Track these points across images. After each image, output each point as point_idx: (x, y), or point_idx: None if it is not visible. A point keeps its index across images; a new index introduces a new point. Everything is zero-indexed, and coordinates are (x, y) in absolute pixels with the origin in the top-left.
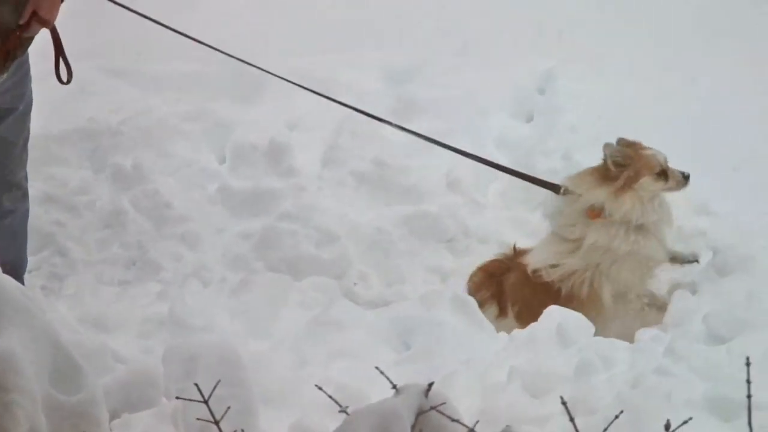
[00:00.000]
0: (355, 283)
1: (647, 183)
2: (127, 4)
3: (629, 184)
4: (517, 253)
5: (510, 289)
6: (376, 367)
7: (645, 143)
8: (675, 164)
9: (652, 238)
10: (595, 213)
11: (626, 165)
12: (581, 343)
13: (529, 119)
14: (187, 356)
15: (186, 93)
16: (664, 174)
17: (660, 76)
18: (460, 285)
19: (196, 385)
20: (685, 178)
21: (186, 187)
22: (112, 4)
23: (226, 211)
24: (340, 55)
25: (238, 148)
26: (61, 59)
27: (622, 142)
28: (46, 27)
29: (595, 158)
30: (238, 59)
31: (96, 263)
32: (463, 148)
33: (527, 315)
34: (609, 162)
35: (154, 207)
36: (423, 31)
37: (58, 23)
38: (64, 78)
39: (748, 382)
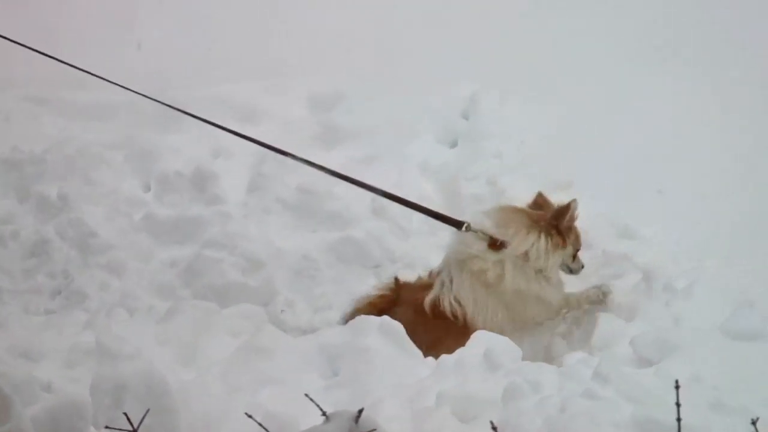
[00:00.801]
0: (282, 310)
1: (569, 252)
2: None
3: (565, 242)
4: (400, 285)
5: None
6: (306, 394)
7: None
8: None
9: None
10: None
11: (566, 221)
12: (509, 368)
13: (453, 145)
14: (115, 385)
15: (109, 121)
16: (577, 253)
17: (583, 100)
18: None
19: (125, 414)
20: (582, 267)
21: (111, 215)
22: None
23: (152, 239)
24: (263, 81)
25: (162, 176)
26: None
27: (544, 198)
28: None
29: (520, 183)
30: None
31: (22, 293)
32: (387, 174)
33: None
34: (555, 212)
35: (80, 236)
36: (346, 58)
37: None
38: None
39: (678, 404)
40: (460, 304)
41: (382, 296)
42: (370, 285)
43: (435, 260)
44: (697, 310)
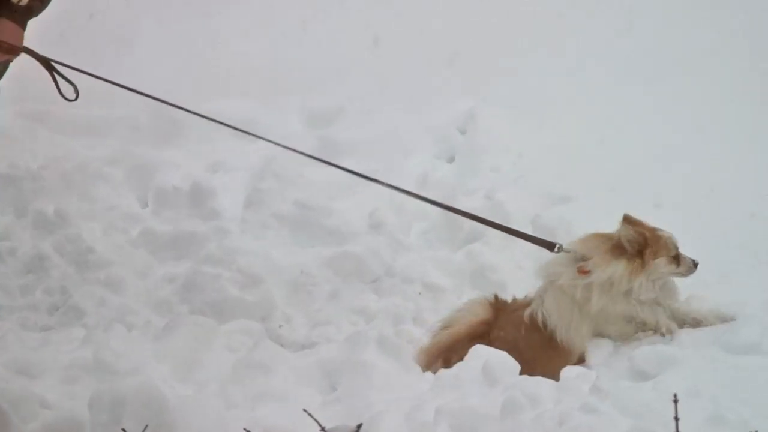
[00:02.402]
0: (280, 326)
1: (661, 264)
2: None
3: (645, 264)
4: (497, 304)
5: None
6: (304, 410)
7: (656, 224)
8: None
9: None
10: (584, 270)
11: (640, 244)
12: (507, 382)
13: (451, 159)
14: (113, 401)
15: (106, 137)
16: (677, 258)
17: (581, 114)
18: (385, 325)
19: (124, 429)
20: (695, 264)
21: (108, 231)
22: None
23: (150, 255)
24: (260, 98)
25: (160, 192)
26: (60, 77)
27: (630, 220)
28: (14, 54)
29: (518, 198)
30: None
31: (19, 309)
32: (385, 189)
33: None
34: (623, 240)
35: (77, 252)
36: (342, 74)
37: None
38: (71, 96)
39: (676, 419)
40: (550, 316)
41: (480, 321)
42: (368, 299)
43: (434, 274)
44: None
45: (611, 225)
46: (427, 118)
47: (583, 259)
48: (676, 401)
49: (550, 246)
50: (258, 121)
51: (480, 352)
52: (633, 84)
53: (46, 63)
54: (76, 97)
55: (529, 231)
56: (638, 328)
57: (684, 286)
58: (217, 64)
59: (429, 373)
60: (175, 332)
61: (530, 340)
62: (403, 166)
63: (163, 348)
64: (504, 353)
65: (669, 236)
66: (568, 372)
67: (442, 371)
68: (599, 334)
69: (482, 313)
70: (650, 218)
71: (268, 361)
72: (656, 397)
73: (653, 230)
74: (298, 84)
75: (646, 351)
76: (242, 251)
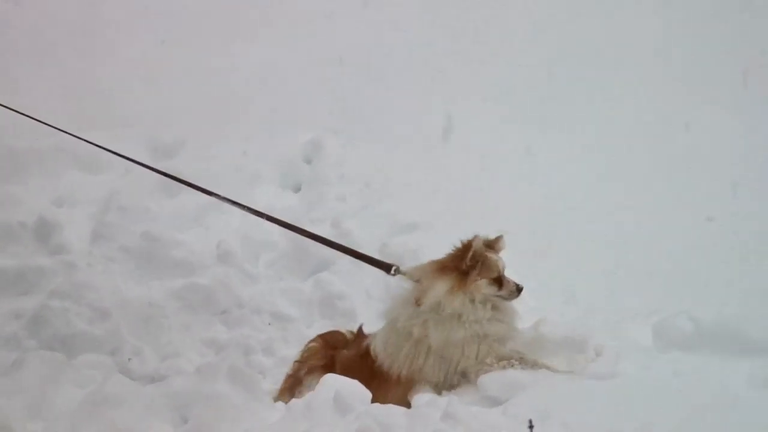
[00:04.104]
0: (129, 359)
1: (483, 285)
2: None
3: (467, 284)
4: (359, 334)
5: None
6: None
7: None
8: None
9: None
10: (419, 301)
11: (466, 263)
12: (359, 410)
13: (297, 189)
14: None
15: None
16: (499, 280)
17: (424, 142)
18: (235, 356)
19: None
20: (519, 290)
21: None
22: None
23: None
24: (106, 131)
25: (4, 227)
26: None
27: (472, 242)
28: None
29: (364, 226)
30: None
31: None
32: (231, 219)
33: None
34: (470, 255)
35: None
36: (185, 106)
37: None
38: None
39: None
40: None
41: (336, 332)
42: (218, 330)
43: (282, 304)
44: (542, 348)
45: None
46: (272, 148)
47: (416, 281)
48: (531, 427)
49: (387, 268)
50: (103, 155)
51: (330, 381)
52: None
53: None
54: None
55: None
56: (491, 348)
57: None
58: (61, 99)
59: (281, 403)
60: (24, 368)
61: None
62: (250, 196)
63: (11, 384)
64: (355, 381)
65: (496, 259)
66: (419, 399)
67: (294, 401)
68: (460, 361)
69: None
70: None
71: (118, 394)
72: (507, 422)
73: (482, 252)
74: (143, 118)
75: (495, 377)
76: (90, 285)
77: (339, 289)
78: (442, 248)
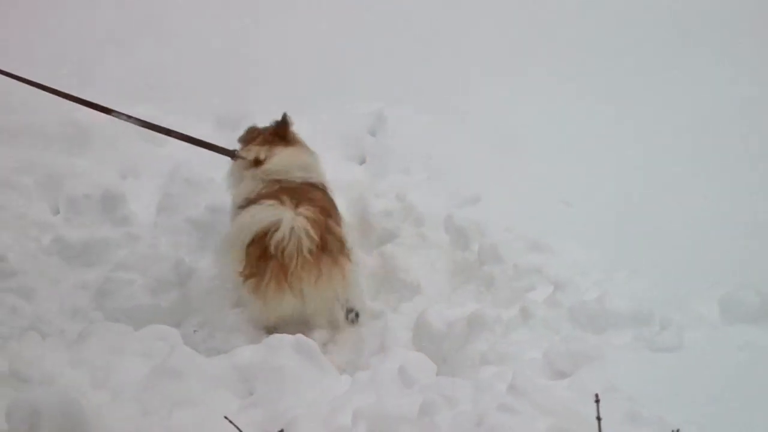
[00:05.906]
0: (195, 330)
1: None
2: None
3: None
4: None
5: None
6: (225, 417)
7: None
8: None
9: None
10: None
11: None
12: (423, 383)
13: (362, 161)
14: (30, 411)
15: (14, 145)
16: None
17: (489, 115)
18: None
19: None
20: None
21: (19, 239)
22: None
23: (62, 262)
24: (167, 103)
25: (71, 199)
26: None
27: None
28: None
29: (428, 198)
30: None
31: None
32: None
33: None
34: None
35: None
36: (250, 78)
37: None
38: None
39: (599, 419)
40: None
41: None
42: None
43: None
44: (608, 321)
45: (523, 224)
46: (338, 120)
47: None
48: (597, 401)
49: (231, 154)
50: (166, 125)
51: (396, 354)
52: (545, 85)
53: None
54: None
55: (441, 232)
56: None
57: (595, 282)
58: (123, 71)
59: (346, 375)
60: (90, 339)
61: None
62: None
63: (77, 356)
64: (421, 354)
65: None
66: (485, 371)
67: (359, 373)
68: None
69: None
70: (562, 217)
71: (183, 366)
72: (573, 396)
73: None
74: (205, 89)
75: (562, 349)
76: (155, 257)
77: (404, 262)
78: (505, 221)
